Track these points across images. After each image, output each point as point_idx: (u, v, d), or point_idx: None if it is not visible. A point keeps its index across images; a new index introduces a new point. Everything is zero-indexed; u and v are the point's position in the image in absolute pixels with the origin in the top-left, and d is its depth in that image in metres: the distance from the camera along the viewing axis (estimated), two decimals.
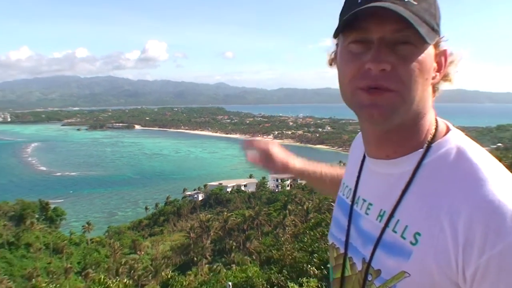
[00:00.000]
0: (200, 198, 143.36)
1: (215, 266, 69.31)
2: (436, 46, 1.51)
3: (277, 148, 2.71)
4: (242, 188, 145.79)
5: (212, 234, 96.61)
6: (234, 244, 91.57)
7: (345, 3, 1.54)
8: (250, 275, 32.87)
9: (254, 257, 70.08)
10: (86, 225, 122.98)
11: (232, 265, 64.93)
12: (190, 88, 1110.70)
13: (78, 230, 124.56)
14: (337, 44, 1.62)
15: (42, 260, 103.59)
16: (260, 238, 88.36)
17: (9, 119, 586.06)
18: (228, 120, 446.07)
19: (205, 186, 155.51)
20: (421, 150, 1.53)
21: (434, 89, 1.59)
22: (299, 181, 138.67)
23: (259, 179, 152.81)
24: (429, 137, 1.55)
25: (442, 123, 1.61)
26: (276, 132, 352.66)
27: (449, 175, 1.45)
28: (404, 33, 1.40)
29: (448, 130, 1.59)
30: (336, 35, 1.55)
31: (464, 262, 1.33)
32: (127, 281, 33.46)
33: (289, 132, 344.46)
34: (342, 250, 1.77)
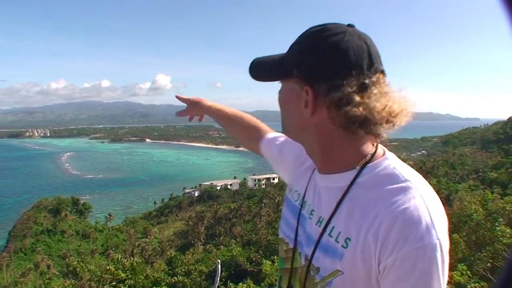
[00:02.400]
0: (196, 194, 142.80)
1: (207, 247, 68.62)
2: (299, 82, 1.50)
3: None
4: (229, 186, 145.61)
5: (205, 222, 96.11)
6: (222, 229, 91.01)
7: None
8: (234, 254, 32.43)
9: (237, 240, 69.63)
10: (108, 216, 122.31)
11: (221, 246, 64.45)
12: None
13: (101, 220, 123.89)
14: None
15: (74, 243, 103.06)
16: (242, 225, 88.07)
17: (48, 134, 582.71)
18: (217, 135, 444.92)
19: (200, 185, 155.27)
20: (356, 170, 1.50)
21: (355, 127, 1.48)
22: (271, 181, 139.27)
23: (241, 179, 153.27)
24: (363, 160, 1.51)
25: (381, 149, 1.58)
26: None
27: (376, 192, 1.43)
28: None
29: (383, 154, 1.55)
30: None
31: (379, 259, 1.33)
32: (137, 259, 32.84)
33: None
34: (291, 245, 1.72)
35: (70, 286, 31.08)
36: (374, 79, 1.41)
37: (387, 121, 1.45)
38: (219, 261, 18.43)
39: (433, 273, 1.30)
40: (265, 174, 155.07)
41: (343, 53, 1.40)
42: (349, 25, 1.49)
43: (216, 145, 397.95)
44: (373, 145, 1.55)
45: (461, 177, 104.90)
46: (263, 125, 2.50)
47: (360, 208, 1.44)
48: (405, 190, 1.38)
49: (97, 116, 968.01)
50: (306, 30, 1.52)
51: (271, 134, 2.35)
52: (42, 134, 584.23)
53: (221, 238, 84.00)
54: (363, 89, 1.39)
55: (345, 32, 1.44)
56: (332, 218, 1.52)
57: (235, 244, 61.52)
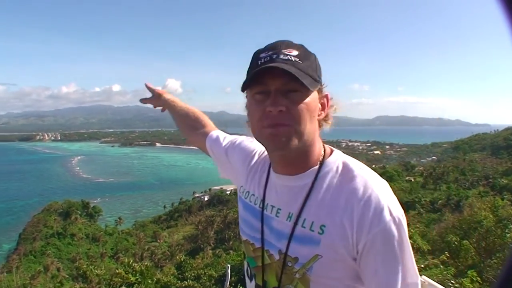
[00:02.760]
0: (206, 198, 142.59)
1: (217, 252, 68.59)
2: (319, 91, 1.70)
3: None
4: None
5: (215, 226, 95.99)
6: (232, 234, 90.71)
7: (250, 65, 1.70)
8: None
9: None
10: (118, 220, 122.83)
11: (230, 251, 64.29)
12: None
13: (111, 223, 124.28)
14: (246, 96, 1.76)
15: (84, 247, 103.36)
16: None
17: (59, 138, 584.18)
18: None
19: (210, 189, 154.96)
20: (316, 167, 1.72)
21: (320, 124, 1.74)
22: None
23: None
24: (320, 157, 1.74)
25: (328, 147, 1.80)
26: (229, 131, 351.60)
27: (339, 182, 1.66)
28: (292, 84, 1.56)
29: (332, 151, 1.79)
30: (243, 90, 1.70)
31: (357, 239, 1.55)
32: (148, 263, 32.93)
33: None
34: (258, 245, 1.88)
35: None
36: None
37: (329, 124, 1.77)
38: (228, 265, 18.47)
39: (405, 239, 1.56)
40: None
41: (318, 64, 1.72)
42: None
43: None
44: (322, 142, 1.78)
45: (471, 183, 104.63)
46: (209, 122, 2.70)
47: (328, 198, 1.65)
48: (362, 177, 1.62)
49: (108, 120, 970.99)
50: (304, 48, 1.71)
51: (217, 132, 2.54)
52: (52, 138, 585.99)
53: (231, 242, 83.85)
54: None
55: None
56: (302, 211, 1.69)
57: None
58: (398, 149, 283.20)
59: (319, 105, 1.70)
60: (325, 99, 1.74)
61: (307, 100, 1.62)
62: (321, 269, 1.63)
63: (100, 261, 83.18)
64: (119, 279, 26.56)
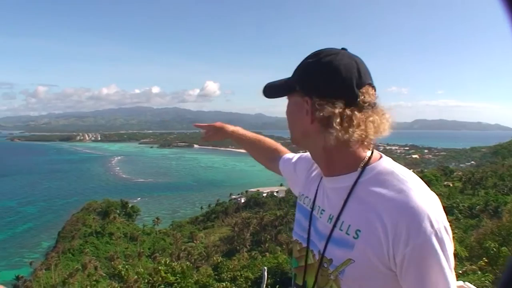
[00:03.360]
0: (243, 200, 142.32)
1: (253, 254, 68.34)
2: (302, 95, 1.78)
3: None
4: (275, 193, 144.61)
5: (251, 228, 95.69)
6: (268, 236, 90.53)
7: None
8: (280, 261, 31.99)
9: (283, 247, 69.08)
10: (156, 220, 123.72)
11: (266, 253, 63.98)
12: (236, 117, 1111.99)
13: (149, 223, 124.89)
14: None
15: (121, 246, 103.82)
16: (288, 233, 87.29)
17: (99, 138, 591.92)
18: None
19: (246, 191, 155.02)
20: (358, 171, 1.70)
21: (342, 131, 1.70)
22: None
23: (288, 187, 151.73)
24: (363, 162, 1.71)
25: (377, 153, 1.77)
26: (302, 152, 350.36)
27: (379, 189, 1.62)
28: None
29: (380, 157, 1.76)
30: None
31: (394, 252, 1.51)
32: (188, 263, 32.84)
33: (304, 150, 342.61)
34: (304, 245, 1.91)
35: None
36: (363, 90, 1.65)
37: (376, 132, 1.68)
38: (265, 268, 18.05)
39: (447, 254, 1.51)
40: None
41: (335, 69, 1.64)
42: (342, 49, 1.74)
43: None
44: (369, 149, 1.74)
45: (510, 189, 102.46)
46: (281, 147, 2.80)
47: (366, 203, 1.62)
48: (404, 185, 1.57)
49: (147, 122, 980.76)
50: (311, 54, 1.77)
51: (288, 154, 2.63)
52: (93, 138, 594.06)
53: (267, 245, 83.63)
54: (351, 102, 1.63)
55: (337, 53, 1.69)
56: (341, 214, 1.70)
57: (280, 251, 61.02)
58: (437, 153, 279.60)
59: (302, 110, 1.75)
60: (305, 104, 1.74)
61: (289, 105, 1.87)
62: (352, 274, 1.63)
63: (137, 260, 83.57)
64: (159, 278, 26.50)
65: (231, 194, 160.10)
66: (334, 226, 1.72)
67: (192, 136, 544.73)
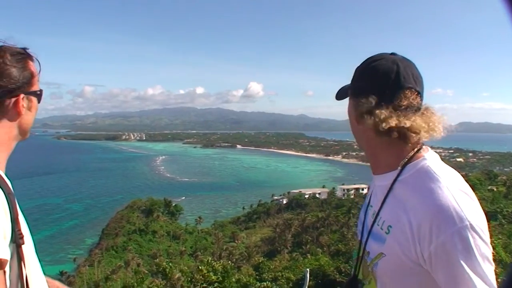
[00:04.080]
0: (285, 202, 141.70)
1: (294, 255, 67.99)
2: (356, 98, 1.95)
3: None
4: (317, 195, 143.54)
5: (292, 229, 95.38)
6: (309, 238, 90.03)
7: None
8: (322, 263, 31.72)
9: (324, 249, 68.65)
10: (198, 219, 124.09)
11: (307, 255, 63.61)
12: (279, 118, 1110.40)
13: (191, 222, 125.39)
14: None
15: (164, 244, 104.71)
16: (329, 235, 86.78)
17: (144, 138, 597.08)
18: (307, 143, 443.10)
19: (288, 192, 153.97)
20: (398, 169, 1.83)
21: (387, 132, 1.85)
22: (360, 191, 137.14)
23: (330, 189, 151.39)
24: (403, 161, 1.83)
25: (423, 151, 1.85)
26: (344, 153, 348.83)
27: (412, 187, 1.74)
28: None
29: (423, 156, 1.84)
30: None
31: (421, 249, 1.61)
32: (230, 263, 32.82)
33: (354, 153, 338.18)
34: (359, 237, 2.09)
35: (161, 285, 31.41)
36: (401, 92, 1.78)
37: (415, 132, 1.79)
38: (307, 269, 17.85)
39: (478, 251, 1.53)
40: (354, 184, 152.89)
41: (374, 72, 1.84)
42: (392, 54, 1.90)
43: (306, 153, 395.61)
44: (414, 148, 1.84)
45: None
46: None
47: (399, 201, 1.77)
48: (435, 184, 1.67)
49: (191, 122, 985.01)
50: (367, 60, 1.95)
51: None
52: (138, 138, 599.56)
53: (308, 246, 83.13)
54: (385, 103, 1.78)
55: (382, 58, 1.87)
56: (380, 210, 1.86)
57: (321, 253, 60.60)
58: (481, 157, 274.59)
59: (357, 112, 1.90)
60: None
61: (348, 107, 1.99)
62: (384, 268, 1.77)
63: (179, 259, 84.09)
64: (201, 277, 26.53)
65: (273, 195, 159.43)
66: (374, 221, 1.89)
67: (235, 136, 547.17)
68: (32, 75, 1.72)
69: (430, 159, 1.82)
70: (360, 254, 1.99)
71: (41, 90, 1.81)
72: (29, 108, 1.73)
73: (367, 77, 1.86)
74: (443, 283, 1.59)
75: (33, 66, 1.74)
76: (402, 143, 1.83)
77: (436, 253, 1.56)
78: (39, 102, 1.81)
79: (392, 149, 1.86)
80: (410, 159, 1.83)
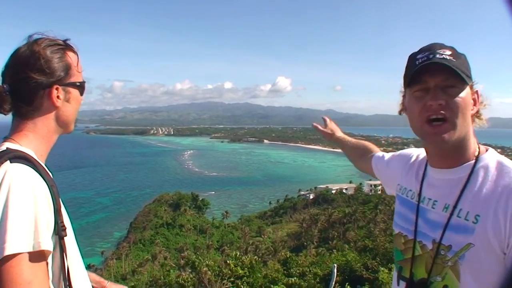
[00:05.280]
0: (311, 197, 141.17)
1: (320, 250, 67.72)
2: (471, 87, 1.85)
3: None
4: (344, 190, 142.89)
5: (319, 225, 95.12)
6: (336, 234, 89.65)
7: (407, 66, 1.92)
8: (349, 259, 31.52)
9: (350, 245, 68.31)
10: (225, 213, 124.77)
11: (333, 250, 63.35)
12: (306, 113, 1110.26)
13: (218, 217, 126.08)
14: (403, 96, 2.02)
15: (191, 238, 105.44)
16: (356, 231, 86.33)
17: (172, 133, 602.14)
18: None
19: (315, 188, 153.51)
20: (473, 161, 1.87)
21: (472, 119, 1.90)
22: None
23: (357, 184, 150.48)
24: (476, 152, 1.89)
25: (482, 146, 1.94)
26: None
27: (495, 176, 1.78)
28: (450, 80, 1.77)
29: (487, 149, 1.93)
30: (405, 87, 1.96)
31: (510, 231, 1.65)
32: (256, 257, 32.82)
33: (382, 149, 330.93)
34: (410, 237, 2.01)
35: (189, 278, 31.54)
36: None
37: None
38: (335, 265, 17.74)
39: None
40: None
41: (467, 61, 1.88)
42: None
43: (333, 148, 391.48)
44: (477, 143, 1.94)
45: None
46: (375, 148, 2.98)
47: (484, 190, 1.78)
48: None
49: (218, 117, 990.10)
50: (454, 47, 1.89)
51: (380, 153, 2.81)
52: (166, 132, 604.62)
53: (334, 242, 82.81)
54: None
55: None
56: (458, 202, 1.82)
57: (347, 249, 60.27)
58: (510, 153, 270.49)
59: (471, 100, 1.85)
60: (476, 95, 1.88)
61: (463, 94, 1.79)
62: (472, 258, 1.73)
63: (206, 253, 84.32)
64: (228, 271, 26.56)
65: (299, 190, 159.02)
66: (451, 214, 1.83)
67: (262, 131, 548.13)
68: (69, 66, 1.72)
69: (495, 152, 1.93)
70: (418, 253, 1.97)
71: (82, 82, 1.81)
72: (67, 100, 1.73)
73: (468, 66, 1.88)
74: None
75: (71, 57, 1.74)
76: (473, 134, 1.92)
77: None
78: (81, 94, 1.82)
79: (474, 139, 1.92)
80: (479, 152, 1.91)
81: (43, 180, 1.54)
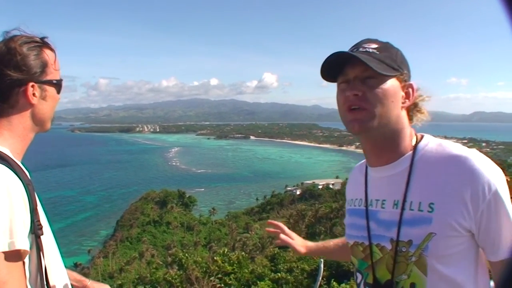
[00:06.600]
0: (298, 192, 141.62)
1: None
2: (401, 80, 1.84)
3: None
4: (330, 186, 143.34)
5: (306, 220, 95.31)
6: (323, 229, 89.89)
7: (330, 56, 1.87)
8: None
9: None
10: (212, 210, 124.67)
11: None
12: (292, 109, 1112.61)
13: (205, 213, 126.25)
14: None
15: (178, 235, 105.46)
16: (343, 225, 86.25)
17: (158, 130, 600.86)
18: (321, 134, 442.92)
19: (302, 183, 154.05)
20: (411, 152, 1.86)
21: (411, 113, 1.93)
22: None
23: (343, 179, 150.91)
24: (413, 142, 1.88)
25: (419, 134, 1.93)
26: (358, 143, 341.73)
27: (437, 160, 1.78)
28: (368, 72, 1.75)
29: (422, 136, 1.91)
30: (325, 79, 1.98)
31: (474, 210, 1.66)
32: (244, 254, 32.87)
33: None
34: (367, 243, 1.95)
35: (176, 276, 31.52)
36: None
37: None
38: (321, 260, 17.81)
39: (508, 198, 1.69)
40: None
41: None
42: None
43: (319, 143, 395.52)
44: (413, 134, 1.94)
45: None
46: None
47: (430, 176, 1.76)
48: (459, 151, 1.74)
49: (204, 113, 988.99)
50: (389, 43, 1.91)
51: None
52: (151, 130, 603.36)
53: (322, 237, 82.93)
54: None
55: None
56: (406, 196, 1.79)
57: None
58: (495, 147, 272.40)
59: (402, 93, 1.85)
60: (409, 89, 1.87)
61: (384, 85, 1.78)
62: (436, 247, 1.70)
63: (193, 250, 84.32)
64: (216, 268, 26.58)
65: (286, 186, 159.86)
66: (403, 209, 1.79)
67: (248, 127, 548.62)
68: (46, 64, 1.69)
69: (431, 137, 1.92)
70: (377, 257, 1.90)
71: (59, 80, 1.78)
72: (43, 98, 1.70)
73: (399, 59, 1.89)
74: (494, 231, 1.69)
75: (48, 55, 1.72)
76: (409, 126, 1.93)
77: (488, 205, 1.65)
78: (58, 92, 1.80)
79: (410, 131, 1.92)
80: (417, 141, 1.91)
81: (18, 179, 1.53)
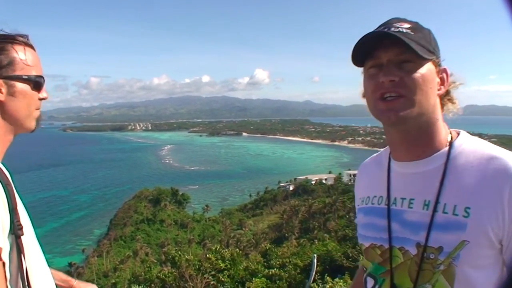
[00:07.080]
0: (291, 188, 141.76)
1: (301, 241, 67.98)
2: (436, 65, 1.62)
3: None
4: (323, 181, 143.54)
5: (299, 216, 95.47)
6: (316, 224, 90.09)
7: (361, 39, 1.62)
8: (330, 249, 31.66)
9: (331, 235, 68.56)
10: (205, 207, 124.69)
11: (314, 241, 63.60)
12: (284, 104, 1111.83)
13: (199, 211, 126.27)
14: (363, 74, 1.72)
15: (172, 233, 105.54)
16: (337, 220, 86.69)
17: (150, 128, 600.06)
18: (313, 129, 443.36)
19: (295, 179, 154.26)
20: (447, 148, 1.64)
21: (442, 103, 1.70)
22: None
23: (336, 174, 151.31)
24: (449, 137, 1.68)
25: (454, 130, 1.73)
26: (350, 138, 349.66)
27: (475, 161, 1.57)
28: (405, 55, 1.53)
29: (458, 133, 1.71)
30: (355, 63, 1.70)
31: (509, 215, 1.48)
32: (237, 250, 32.92)
33: (360, 138, 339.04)
34: (386, 246, 1.71)
35: (170, 274, 31.48)
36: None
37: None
38: (315, 255, 17.81)
39: None
40: None
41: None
42: None
43: (312, 139, 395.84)
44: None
45: None
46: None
47: (468, 178, 1.56)
48: (502, 154, 1.55)
49: (196, 111, 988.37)
50: (419, 23, 1.67)
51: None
52: (144, 128, 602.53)
53: (315, 232, 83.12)
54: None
55: None
56: (439, 196, 1.58)
57: (329, 239, 60.51)
58: (487, 140, 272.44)
59: (438, 79, 1.64)
60: (444, 74, 1.66)
61: (422, 70, 1.56)
62: (468, 257, 1.51)
63: (187, 247, 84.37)
64: (209, 265, 26.61)
65: (279, 182, 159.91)
66: (435, 211, 1.58)
67: (240, 124, 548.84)
68: (13, 59, 1.63)
69: (468, 135, 1.73)
70: (398, 262, 1.66)
71: (32, 76, 1.71)
72: (11, 94, 1.63)
73: (433, 41, 1.70)
74: None
75: (18, 50, 1.66)
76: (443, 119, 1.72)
77: None
78: (34, 89, 1.72)
79: (444, 124, 1.72)
80: (452, 136, 1.71)
81: None
